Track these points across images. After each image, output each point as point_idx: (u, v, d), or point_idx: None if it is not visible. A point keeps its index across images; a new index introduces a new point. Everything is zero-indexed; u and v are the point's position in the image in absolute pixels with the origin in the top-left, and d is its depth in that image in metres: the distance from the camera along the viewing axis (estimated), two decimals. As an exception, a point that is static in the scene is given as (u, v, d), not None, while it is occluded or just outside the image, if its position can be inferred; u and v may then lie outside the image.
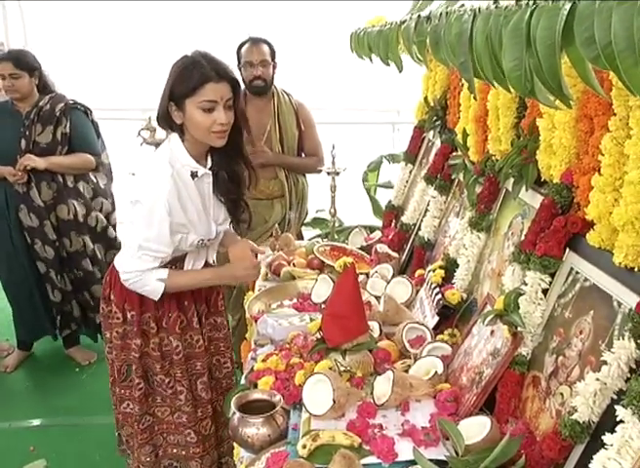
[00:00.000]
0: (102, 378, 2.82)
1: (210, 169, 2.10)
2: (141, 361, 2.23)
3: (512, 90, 0.98)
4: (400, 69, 1.73)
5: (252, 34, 3.29)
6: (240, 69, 3.27)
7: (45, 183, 3.38)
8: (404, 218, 2.62)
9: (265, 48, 3.25)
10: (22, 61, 3.29)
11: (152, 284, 2.07)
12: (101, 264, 3.63)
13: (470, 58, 1.10)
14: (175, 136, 2.05)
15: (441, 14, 1.28)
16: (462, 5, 1.18)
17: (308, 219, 3.68)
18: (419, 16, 1.49)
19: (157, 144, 3.30)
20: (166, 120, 2.03)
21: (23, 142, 3.31)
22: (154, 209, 1.96)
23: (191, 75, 1.94)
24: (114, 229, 3.75)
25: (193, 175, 2.05)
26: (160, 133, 3.31)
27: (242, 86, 2.21)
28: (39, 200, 3.37)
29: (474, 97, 1.93)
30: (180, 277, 2.16)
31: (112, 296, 2.22)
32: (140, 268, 2.04)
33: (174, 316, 2.20)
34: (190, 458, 2.35)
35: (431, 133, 2.67)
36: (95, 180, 3.57)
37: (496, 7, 0.97)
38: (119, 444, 2.49)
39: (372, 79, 4.07)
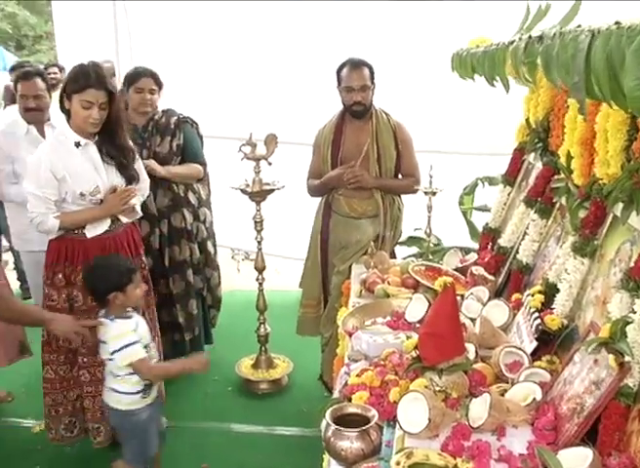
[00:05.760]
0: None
1: (96, 143, 2.85)
2: None
3: (631, 110, 0.96)
4: (507, 89, 1.72)
5: (352, 56, 3.34)
6: (340, 91, 3.32)
7: (161, 191, 3.55)
8: (501, 241, 2.57)
9: (365, 71, 3.26)
10: (158, 79, 3.52)
11: (50, 220, 2.78)
12: (201, 276, 3.74)
13: (585, 79, 1.09)
14: (64, 117, 2.85)
15: (554, 34, 1.28)
16: (579, 25, 1.17)
17: (403, 238, 3.67)
18: (529, 36, 1.48)
19: (257, 160, 3.41)
20: (61, 105, 2.81)
21: (145, 153, 3.50)
22: (39, 163, 2.75)
23: (79, 79, 2.72)
24: (213, 241, 3.87)
25: (77, 144, 2.80)
26: (260, 148, 3.41)
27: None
28: (154, 208, 3.53)
29: (584, 119, 1.88)
30: (72, 214, 2.84)
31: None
32: (40, 210, 2.76)
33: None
34: (84, 397, 3.01)
35: (532, 155, 2.62)
36: (199, 191, 3.72)
37: (617, 27, 0.96)
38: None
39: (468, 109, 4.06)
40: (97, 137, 2.87)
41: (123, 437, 2.72)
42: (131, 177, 2.98)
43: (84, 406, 3.03)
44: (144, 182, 3.14)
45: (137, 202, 3.04)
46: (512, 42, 1.61)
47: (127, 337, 2.47)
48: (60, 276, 2.90)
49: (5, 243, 5.06)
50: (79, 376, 2.99)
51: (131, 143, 3.02)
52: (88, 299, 2.89)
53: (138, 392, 2.56)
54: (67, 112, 2.81)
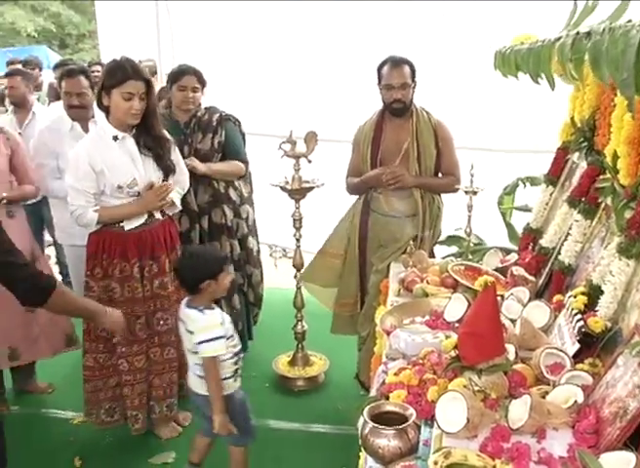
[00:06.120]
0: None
1: (133, 136, 2.92)
2: None
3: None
4: (552, 87, 1.70)
5: (393, 53, 3.32)
6: (380, 89, 3.31)
7: (202, 188, 3.60)
8: (543, 242, 2.53)
9: (406, 69, 3.25)
10: (202, 77, 3.57)
11: (90, 214, 2.86)
12: (242, 272, 3.77)
13: (634, 75, 1.07)
14: (103, 114, 2.95)
15: (604, 29, 1.25)
16: (629, 20, 1.15)
17: (443, 237, 3.64)
18: (577, 32, 1.46)
19: (297, 158, 3.42)
20: (99, 102, 2.90)
21: (186, 149, 3.55)
22: (78, 157, 2.86)
23: (117, 73, 2.80)
24: (255, 239, 3.89)
25: (115, 137, 2.88)
26: (300, 146, 3.42)
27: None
28: (194, 204, 3.58)
29: (632, 117, 1.84)
30: (111, 209, 2.93)
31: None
32: (80, 203, 2.86)
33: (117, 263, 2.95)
34: (123, 385, 3.06)
35: (576, 154, 2.57)
36: (240, 188, 3.75)
37: (670, 21, 0.94)
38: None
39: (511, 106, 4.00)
40: (134, 131, 2.95)
41: None
42: (168, 169, 3.03)
43: (123, 393, 3.10)
44: (184, 176, 3.20)
45: (176, 196, 3.09)
46: (559, 38, 1.58)
47: (215, 330, 2.51)
48: (99, 268, 2.98)
49: (48, 237, 5.17)
50: (118, 365, 3.06)
51: (166, 134, 3.07)
52: (125, 291, 2.97)
53: (228, 377, 2.61)
54: (106, 109, 2.89)
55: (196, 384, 2.65)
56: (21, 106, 4.78)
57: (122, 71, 2.80)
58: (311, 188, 3.54)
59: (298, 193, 3.54)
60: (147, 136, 2.96)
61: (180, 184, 3.16)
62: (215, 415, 2.56)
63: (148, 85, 2.86)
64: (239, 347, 2.67)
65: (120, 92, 2.80)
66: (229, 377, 2.63)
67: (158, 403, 3.18)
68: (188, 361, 2.67)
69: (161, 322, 3.08)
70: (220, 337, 2.50)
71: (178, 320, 2.67)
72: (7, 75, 4.88)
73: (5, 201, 3.27)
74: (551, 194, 2.74)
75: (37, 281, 2.21)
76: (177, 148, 3.16)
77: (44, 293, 2.19)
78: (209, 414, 2.65)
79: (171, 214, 3.14)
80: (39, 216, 4.61)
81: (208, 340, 2.48)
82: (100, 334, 3.03)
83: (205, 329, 2.50)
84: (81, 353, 3.19)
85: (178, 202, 3.13)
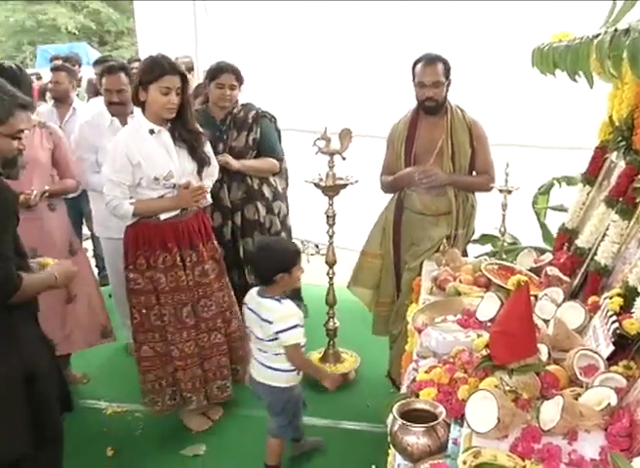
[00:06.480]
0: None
1: (169, 129, 2.99)
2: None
3: None
4: (591, 85, 1.67)
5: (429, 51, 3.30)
6: (414, 87, 3.29)
7: (235, 184, 3.65)
8: (579, 242, 2.49)
9: (439, 67, 3.22)
10: (239, 75, 3.61)
11: (125, 205, 2.92)
12: None
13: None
14: (139, 109, 3.02)
15: (643, 26, 1.23)
16: (670, 17, 1.13)
17: (477, 236, 3.61)
18: (615, 29, 1.44)
19: (332, 154, 3.42)
20: (135, 98, 2.96)
21: (221, 146, 3.60)
22: (115, 149, 2.93)
23: (154, 69, 2.86)
24: (289, 234, 3.91)
25: (151, 131, 2.93)
26: (335, 142, 3.43)
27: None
28: (227, 200, 3.62)
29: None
30: (146, 202, 2.99)
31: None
32: (115, 194, 2.92)
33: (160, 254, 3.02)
34: (175, 370, 3.14)
35: (614, 154, 2.53)
36: (275, 184, 3.78)
37: None
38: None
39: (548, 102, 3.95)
40: (169, 125, 3.02)
41: (273, 411, 2.88)
42: (202, 161, 3.11)
43: (177, 377, 3.19)
44: (215, 168, 3.27)
45: (208, 184, 3.17)
46: (597, 35, 1.56)
47: (293, 319, 2.62)
48: (142, 260, 3.04)
49: (86, 231, 5.26)
50: (170, 352, 3.15)
51: (199, 127, 3.13)
52: (169, 281, 3.05)
53: (292, 370, 2.73)
54: (142, 104, 2.96)
55: (258, 372, 2.77)
56: (63, 101, 4.87)
57: (159, 67, 2.86)
58: (345, 185, 3.54)
59: (331, 190, 3.54)
60: (183, 128, 3.02)
61: (211, 176, 3.23)
62: (324, 383, 2.79)
63: (184, 80, 2.93)
64: (306, 340, 2.76)
65: (158, 86, 2.86)
66: (293, 370, 2.73)
67: (209, 385, 3.27)
68: (252, 349, 2.78)
69: (205, 309, 3.18)
70: (298, 326, 2.62)
71: (245, 309, 2.75)
72: (52, 70, 4.97)
73: (47, 194, 3.34)
74: (588, 194, 2.70)
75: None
76: (208, 141, 3.21)
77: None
78: (267, 401, 2.82)
79: (202, 206, 3.20)
80: (78, 210, 4.70)
81: (287, 329, 2.60)
82: (154, 324, 3.11)
83: (284, 318, 2.61)
84: (118, 344, 3.24)
85: (208, 196, 3.20)
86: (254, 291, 2.73)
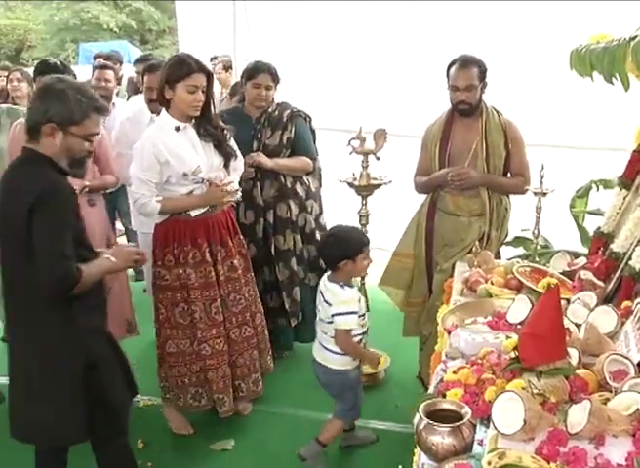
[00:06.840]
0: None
1: (193, 126, 3.03)
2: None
3: None
4: (626, 87, 1.66)
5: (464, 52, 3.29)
6: (448, 90, 3.28)
7: (268, 182, 3.67)
8: (614, 246, 2.46)
9: (473, 70, 3.20)
10: (276, 75, 3.63)
11: (152, 203, 2.95)
12: (306, 265, 3.81)
13: None
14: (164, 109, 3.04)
15: (679, 29, 1.22)
16: None
17: (510, 238, 3.59)
18: (652, 32, 1.42)
19: (366, 154, 3.43)
20: (160, 96, 2.99)
21: (255, 144, 3.63)
22: (143, 148, 2.96)
23: (183, 67, 2.89)
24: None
25: (177, 128, 2.98)
26: (369, 142, 3.43)
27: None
28: (260, 198, 3.65)
29: None
30: (173, 200, 3.02)
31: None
32: (143, 192, 2.95)
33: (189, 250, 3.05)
34: (207, 370, 3.13)
35: (652, 158, 2.50)
36: (308, 183, 3.80)
37: None
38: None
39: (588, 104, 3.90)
40: (193, 121, 3.06)
41: (333, 394, 2.99)
42: (228, 155, 3.15)
43: (207, 377, 3.19)
44: (240, 162, 3.30)
45: (235, 179, 3.19)
46: (634, 37, 1.55)
47: (352, 305, 2.76)
48: (170, 257, 3.08)
49: (119, 226, 5.34)
50: (200, 350, 3.15)
51: (222, 123, 3.16)
52: (198, 277, 3.08)
53: None
54: (167, 102, 3.00)
55: (317, 353, 2.90)
56: (107, 99, 4.93)
57: (187, 65, 2.90)
58: (379, 185, 3.54)
59: (365, 190, 3.55)
60: (208, 124, 3.07)
61: (237, 170, 3.27)
62: (366, 364, 3.03)
63: (209, 78, 2.97)
64: (367, 327, 2.88)
65: (185, 85, 2.90)
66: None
67: (244, 380, 3.30)
68: (317, 330, 2.91)
69: (235, 303, 3.21)
70: (354, 313, 2.75)
71: (319, 292, 2.88)
72: (100, 68, 5.01)
73: (87, 189, 3.40)
74: (625, 198, 2.67)
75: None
76: (232, 136, 3.23)
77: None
78: (323, 382, 2.97)
79: (231, 201, 3.23)
80: (113, 205, 4.77)
81: (343, 313, 2.72)
82: (179, 321, 3.14)
83: (342, 303, 2.74)
84: (150, 338, 3.29)
85: (239, 193, 3.22)
86: (326, 275, 2.86)
